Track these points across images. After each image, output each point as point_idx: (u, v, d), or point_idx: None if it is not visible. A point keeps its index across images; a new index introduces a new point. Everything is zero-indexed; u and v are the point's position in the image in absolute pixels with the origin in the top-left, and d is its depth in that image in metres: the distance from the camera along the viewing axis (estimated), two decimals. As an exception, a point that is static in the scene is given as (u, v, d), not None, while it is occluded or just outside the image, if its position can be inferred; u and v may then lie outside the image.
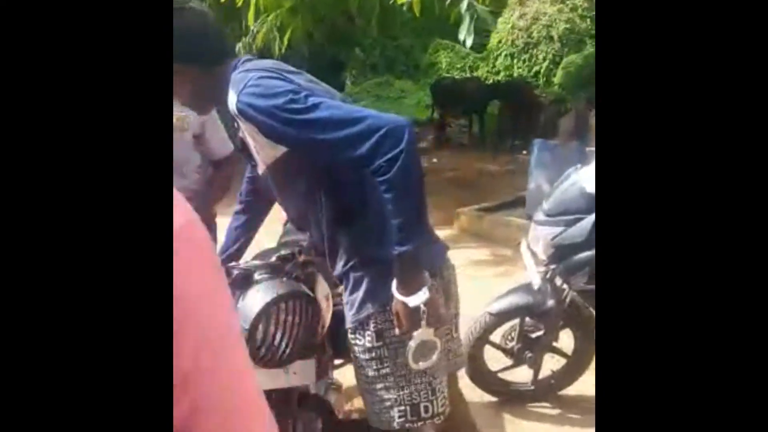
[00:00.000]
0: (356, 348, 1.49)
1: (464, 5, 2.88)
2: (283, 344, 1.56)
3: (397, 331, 1.39)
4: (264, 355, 1.55)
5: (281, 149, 1.37)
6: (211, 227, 2.32)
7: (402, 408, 1.45)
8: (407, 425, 1.46)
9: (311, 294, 1.61)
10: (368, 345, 1.45)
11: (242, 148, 1.53)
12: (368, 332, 1.45)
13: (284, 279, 1.60)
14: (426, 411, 1.46)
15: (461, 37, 2.91)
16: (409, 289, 1.32)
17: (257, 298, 1.54)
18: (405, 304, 1.33)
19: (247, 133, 1.40)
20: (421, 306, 1.32)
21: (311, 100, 1.27)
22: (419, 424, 1.47)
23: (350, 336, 1.50)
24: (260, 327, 1.52)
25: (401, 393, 1.45)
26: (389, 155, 1.21)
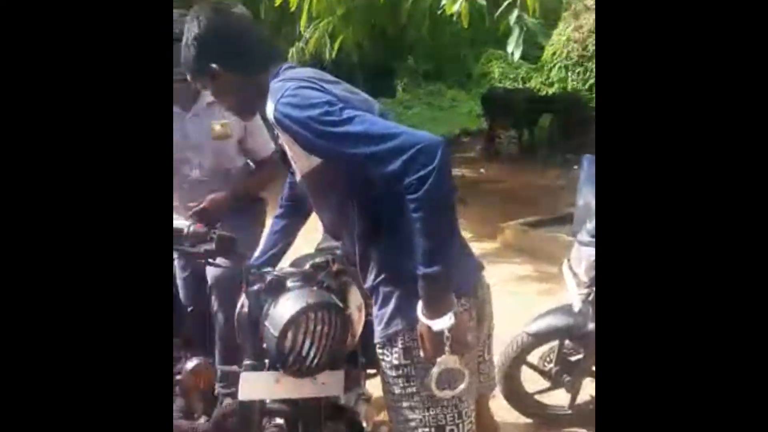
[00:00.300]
0: (384, 363, 1.46)
1: (513, 17, 2.82)
2: (311, 353, 1.55)
3: (421, 353, 1.35)
4: (292, 363, 1.55)
5: (316, 160, 1.37)
6: (258, 224, 2.36)
7: (426, 429, 1.42)
8: None
9: (341, 305, 1.60)
10: (395, 362, 1.42)
11: (282, 155, 1.54)
12: (396, 349, 1.42)
13: (315, 288, 1.60)
14: None
15: (509, 49, 2.85)
16: (433, 313, 1.28)
17: (287, 306, 1.54)
18: (429, 328, 1.29)
19: (285, 142, 1.41)
20: (445, 331, 1.28)
21: (347, 113, 1.25)
22: None
23: (378, 351, 1.47)
24: (289, 335, 1.52)
25: (426, 414, 1.41)
26: (420, 173, 1.19)
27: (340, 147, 1.25)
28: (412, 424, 1.42)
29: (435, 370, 1.32)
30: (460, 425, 1.42)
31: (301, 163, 1.41)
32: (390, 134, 1.23)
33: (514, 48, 2.81)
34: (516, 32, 2.78)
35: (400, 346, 1.41)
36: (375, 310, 1.48)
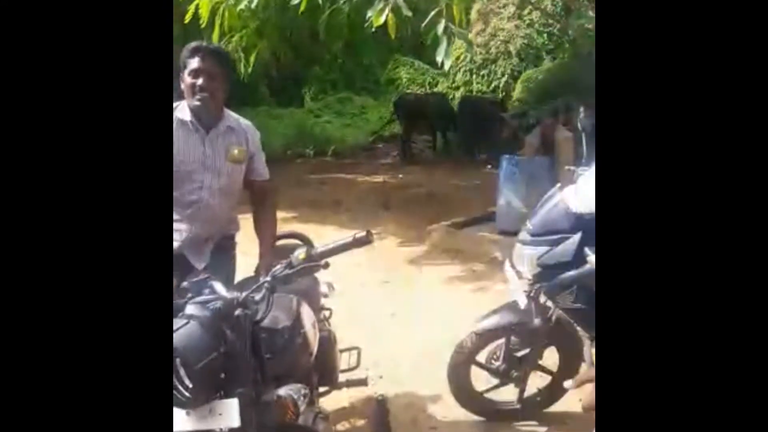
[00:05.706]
0: None
1: (441, 28, 2.88)
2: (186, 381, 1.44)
3: None
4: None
5: None
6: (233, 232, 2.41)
7: None
8: None
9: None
10: None
11: None
12: None
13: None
14: None
15: (439, 59, 2.91)
16: None
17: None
18: None
19: None
20: None
21: None
22: None
23: None
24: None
25: None
26: None
27: None
28: None
29: None
30: None
31: None
32: None
33: (444, 58, 2.87)
34: (444, 42, 2.83)
35: None
36: None
